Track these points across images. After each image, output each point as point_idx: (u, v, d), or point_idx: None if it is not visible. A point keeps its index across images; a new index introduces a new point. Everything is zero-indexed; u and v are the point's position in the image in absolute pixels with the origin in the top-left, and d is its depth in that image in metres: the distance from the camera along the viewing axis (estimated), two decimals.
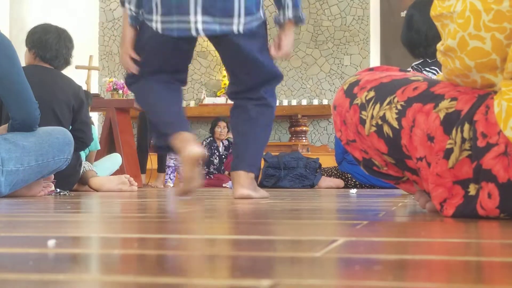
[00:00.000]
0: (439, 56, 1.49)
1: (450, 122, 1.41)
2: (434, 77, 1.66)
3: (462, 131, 1.39)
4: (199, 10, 2.61)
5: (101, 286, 0.61)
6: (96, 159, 5.23)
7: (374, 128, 1.54)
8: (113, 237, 1.07)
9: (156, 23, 2.65)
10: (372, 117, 1.54)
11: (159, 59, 2.73)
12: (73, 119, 3.87)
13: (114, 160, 4.91)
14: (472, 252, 0.87)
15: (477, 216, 1.39)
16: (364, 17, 8.68)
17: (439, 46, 1.47)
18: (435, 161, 1.43)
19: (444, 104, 1.43)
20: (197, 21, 2.62)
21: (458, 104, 1.42)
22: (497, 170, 1.34)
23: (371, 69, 1.70)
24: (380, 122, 1.53)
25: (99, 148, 5.30)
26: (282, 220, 1.46)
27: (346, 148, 1.70)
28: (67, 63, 3.95)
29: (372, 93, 1.56)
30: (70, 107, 3.84)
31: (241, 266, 0.74)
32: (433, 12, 1.47)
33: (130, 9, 2.73)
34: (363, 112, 1.57)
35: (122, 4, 2.80)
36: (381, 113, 1.53)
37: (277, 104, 8.88)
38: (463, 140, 1.39)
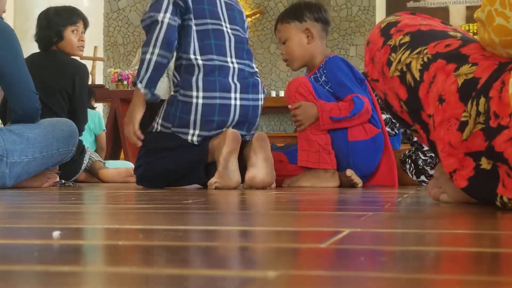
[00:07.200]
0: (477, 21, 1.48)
1: (466, 90, 1.40)
2: None
3: (477, 104, 1.38)
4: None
5: (106, 278, 0.61)
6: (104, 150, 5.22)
7: (398, 73, 1.54)
8: (118, 228, 1.07)
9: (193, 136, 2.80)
10: (399, 61, 1.53)
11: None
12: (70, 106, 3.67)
13: (125, 164, 4.85)
14: (477, 243, 0.87)
15: (490, 194, 1.38)
16: (369, 7, 8.64)
17: (476, 12, 1.46)
18: (447, 127, 1.42)
19: (464, 69, 1.42)
20: None
21: (477, 71, 1.40)
22: (509, 154, 1.33)
23: (413, 13, 1.68)
24: (404, 69, 1.52)
25: (104, 128, 5.30)
26: (287, 211, 1.46)
27: (370, 84, 1.67)
28: (44, 42, 3.64)
29: (407, 38, 1.55)
30: (63, 95, 3.63)
31: (246, 257, 0.74)
32: None
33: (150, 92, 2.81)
34: (393, 54, 1.56)
35: (134, 84, 2.84)
36: (407, 60, 1.52)
37: (283, 95, 8.86)
38: (478, 113, 1.38)
